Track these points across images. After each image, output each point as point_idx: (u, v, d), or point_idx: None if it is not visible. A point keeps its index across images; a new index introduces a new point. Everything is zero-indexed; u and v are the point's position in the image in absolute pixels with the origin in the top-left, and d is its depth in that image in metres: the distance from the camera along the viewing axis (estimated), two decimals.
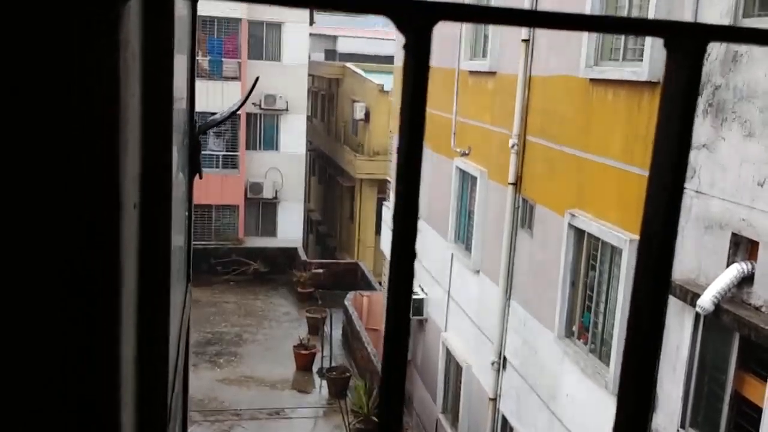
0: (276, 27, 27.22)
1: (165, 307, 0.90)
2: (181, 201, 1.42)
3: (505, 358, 11.31)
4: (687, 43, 0.52)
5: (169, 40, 0.78)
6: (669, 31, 0.52)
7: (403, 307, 0.51)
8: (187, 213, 1.59)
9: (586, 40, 8.92)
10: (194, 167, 1.60)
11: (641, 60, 7.90)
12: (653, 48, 7.57)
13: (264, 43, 27.13)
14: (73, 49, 0.45)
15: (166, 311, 0.91)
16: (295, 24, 27.23)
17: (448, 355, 13.68)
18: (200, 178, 1.68)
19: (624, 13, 8.46)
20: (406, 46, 0.49)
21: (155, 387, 0.92)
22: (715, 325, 6.57)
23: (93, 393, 0.57)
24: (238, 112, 25.99)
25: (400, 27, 0.49)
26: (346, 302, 20.45)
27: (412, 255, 0.50)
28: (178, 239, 1.36)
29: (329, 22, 46.82)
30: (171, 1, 0.81)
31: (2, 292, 0.51)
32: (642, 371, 0.54)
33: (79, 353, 0.54)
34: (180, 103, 1.42)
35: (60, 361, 0.53)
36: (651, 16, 7.57)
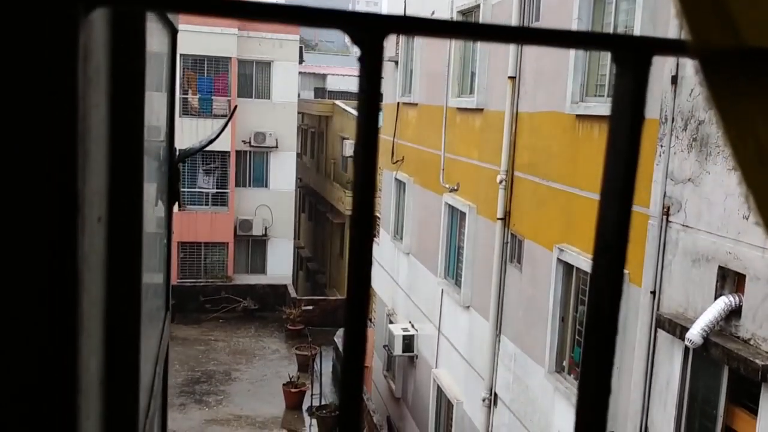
0: (266, 65, 27.47)
1: (136, 323, 0.90)
2: (161, 227, 1.42)
3: (496, 395, 11.22)
4: (633, 56, 0.53)
5: (141, 58, 0.79)
6: (616, 44, 0.54)
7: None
8: (166, 241, 1.60)
9: (571, 76, 9.05)
10: (173, 195, 1.61)
11: None
12: None
13: (254, 81, 27.35)
14: (25, 55, 0.46)
15: (137, 327, 0.90)
16: (285, 62, 27.49)
17: (439, 391, 13.56)
18: (179, 207, 1.69)
19: (611, 26, 8.57)
20: (360, 58, 0.51)
21: (123, 409, 0.91)
22: (704, 359, 6.56)
23: (51, 412, 0.57)
24: (228, 150, 26.09)
25: (354, 39, 0.51)
26: (336, 339, 20.30)
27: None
28: (155, 263, 1.35)
29: (319, 60, 47.32)
30: (141, 20, 0.83)
31: None
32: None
33: (35, 373, 0.54)
34: (158, 132, 1.43)
35: (11, 384, 0.53)
36: (637, 26, 7.66)
